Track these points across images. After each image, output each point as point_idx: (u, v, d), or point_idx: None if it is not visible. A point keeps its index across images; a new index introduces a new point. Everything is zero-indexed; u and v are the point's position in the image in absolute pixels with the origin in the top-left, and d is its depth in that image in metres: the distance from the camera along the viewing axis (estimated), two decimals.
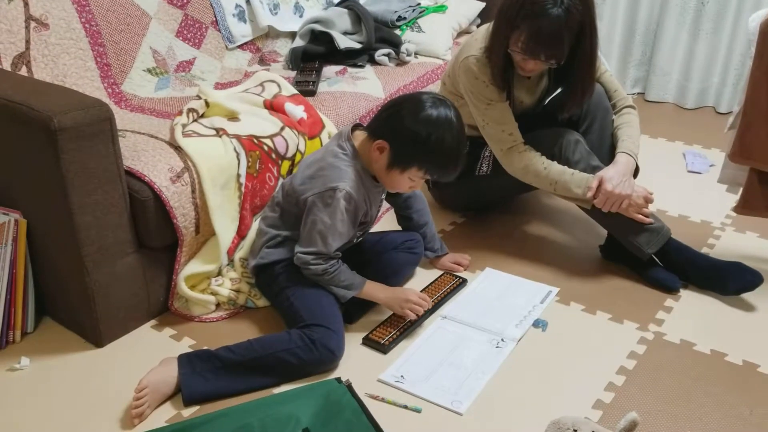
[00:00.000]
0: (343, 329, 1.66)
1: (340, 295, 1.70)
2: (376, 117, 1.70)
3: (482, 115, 1.97)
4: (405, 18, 2.87)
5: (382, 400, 1.53)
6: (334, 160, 1.67)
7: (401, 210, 1.99)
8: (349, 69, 2.54)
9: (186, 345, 1.71)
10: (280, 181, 1.94)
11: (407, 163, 1.63)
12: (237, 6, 2.51)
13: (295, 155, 1.97)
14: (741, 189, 1.95)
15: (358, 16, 2.70)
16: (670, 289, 1.93)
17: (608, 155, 2.01)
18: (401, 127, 1.60)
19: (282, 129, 1.96)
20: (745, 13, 3.17)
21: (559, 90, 2.02)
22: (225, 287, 1.82)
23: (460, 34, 2.99)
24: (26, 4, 1.89)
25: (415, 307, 1.71)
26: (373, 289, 1.73)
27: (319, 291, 1.69)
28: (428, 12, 2.95)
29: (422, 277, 1.99)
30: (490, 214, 2.35)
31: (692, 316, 1.85)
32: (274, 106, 2.05)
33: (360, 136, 1.71)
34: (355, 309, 1.78)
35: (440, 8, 2.97)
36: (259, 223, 1.84)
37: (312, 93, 2.27)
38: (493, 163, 2.09)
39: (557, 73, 1.98)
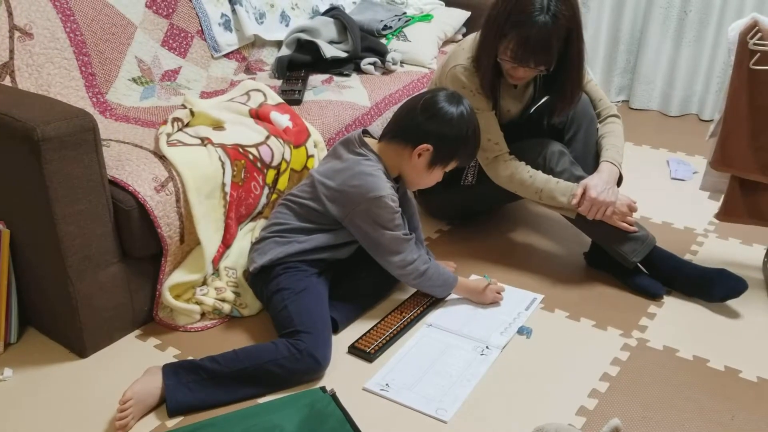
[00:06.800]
0: (331, 339, 1.66)
1: (437, 292, 1.86)
2: (402, 124, 1.75)
3: None
4: (391, 27, 2.88)
5: None
6: (363, 168, 1.72)
7: None
8: (335, 78, 2.55)
9: (171, 355, 1.71)
10: (266, 190, 1.94)
11: (449, 158, 1.76)
12: (223, 15, 2.51)
13: (280, 164, 1.97)
14: (722, 196, 1.97)
15: (344, 26, 2.71)
16: (654, 296, 1.95)
17: (592, 164, 2.02)
18: (443, 129, 1.71)
19: (267, 138, 1.96)
20: (727, 22, 3.21)
21: (545, 99, 2.03)
22: (210, 296, 1.81)
23: (446, 43, 3.01)
24: (10, 14, 1.89)
25: (498, 296, 1.92)
26: (463, 286, 1.90)
27: (314, 299, 1.69)
28: (414, 21, 2.97)
29: None
30: (476, 222, 2.37)
31: (675, 322, 1.86)
32: (259, 115, 2.06)
33: (372, 142, 1.78)
34: (340, 318, 1.78)
35: (426, 17, 2.99)
36: (269, 224, 1.82)
37: (298, 102, 2.28)
38: (478, 174, 2.10)
39: (545, 80, 1.99)
